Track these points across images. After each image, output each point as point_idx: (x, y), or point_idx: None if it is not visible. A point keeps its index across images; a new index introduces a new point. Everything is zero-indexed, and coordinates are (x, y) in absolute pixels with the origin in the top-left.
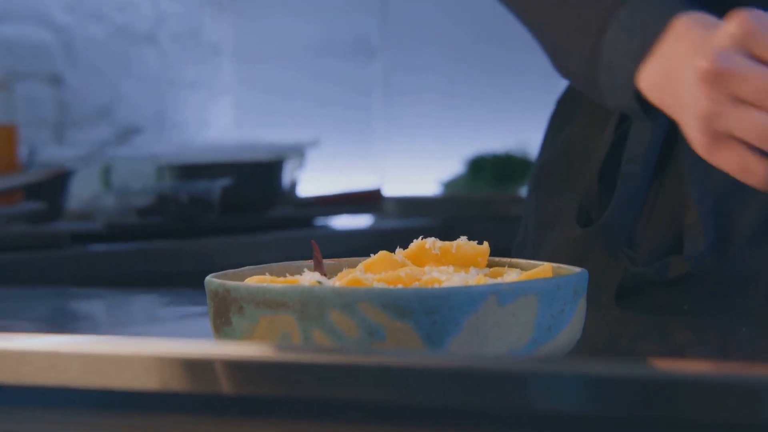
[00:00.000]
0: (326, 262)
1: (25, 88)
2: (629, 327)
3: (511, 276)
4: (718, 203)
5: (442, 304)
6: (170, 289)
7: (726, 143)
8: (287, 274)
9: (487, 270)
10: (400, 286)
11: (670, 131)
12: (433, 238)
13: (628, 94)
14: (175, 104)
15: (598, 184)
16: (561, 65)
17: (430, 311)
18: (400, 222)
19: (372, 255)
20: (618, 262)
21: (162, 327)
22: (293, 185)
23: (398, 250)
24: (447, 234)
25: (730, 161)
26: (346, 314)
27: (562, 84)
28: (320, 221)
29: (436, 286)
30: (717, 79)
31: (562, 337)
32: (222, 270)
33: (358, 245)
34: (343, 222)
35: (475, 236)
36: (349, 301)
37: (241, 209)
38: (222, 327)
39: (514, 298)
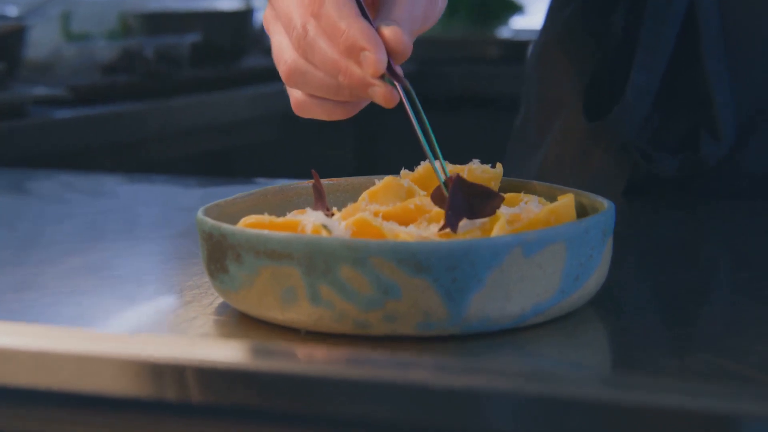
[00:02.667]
0: (324, 182)
1: None
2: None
3: (530, 207)
4: (738, 99)
5: (464, 258)
6: (143, 172)
7: None
8: (287, 212)
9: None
10: (411, 227)
11: (687, 20)
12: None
13: None
14: None
15: (608, 73)
16: None
17: (451, 267)
18: None
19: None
20: (628, 158)
21: (133, 248)
22: (262, 31)
23: (403, 171)
24: (422, 78)
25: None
26: (357, 270)
27: None
28: None
29: None
30: None
31: (590, 284)
32: (196, 128)
33: None
34: None
35: (451, 79)
36: (361, 256)
37: (211, 63)
38: (218, 273)
39: (540, 248)
